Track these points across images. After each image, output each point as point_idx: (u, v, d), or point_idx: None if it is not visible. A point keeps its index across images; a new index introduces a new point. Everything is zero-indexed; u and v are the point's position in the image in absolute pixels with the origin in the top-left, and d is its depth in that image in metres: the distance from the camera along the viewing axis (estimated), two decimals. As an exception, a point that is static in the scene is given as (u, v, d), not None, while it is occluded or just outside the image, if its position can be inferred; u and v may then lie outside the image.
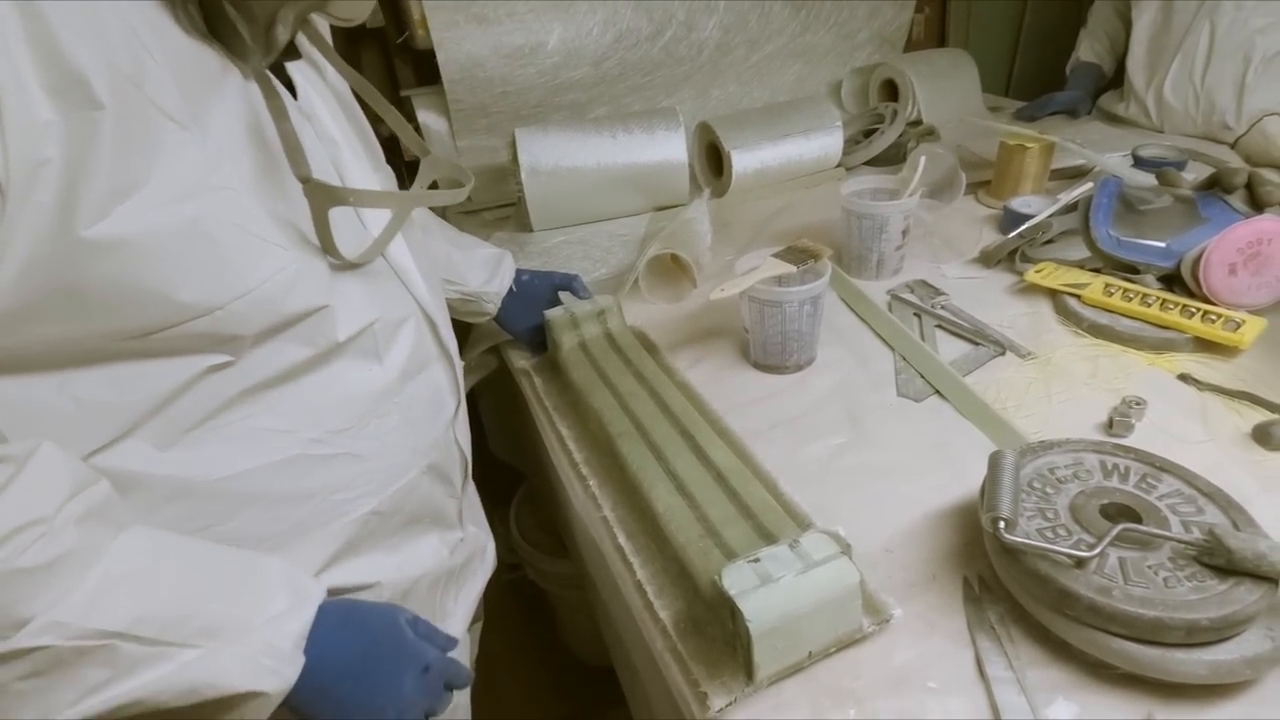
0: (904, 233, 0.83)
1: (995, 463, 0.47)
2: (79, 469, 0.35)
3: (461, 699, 0.63)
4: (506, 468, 1.13)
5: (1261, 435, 0.56)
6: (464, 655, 0.86)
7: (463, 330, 0.93)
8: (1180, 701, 0.40)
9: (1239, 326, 0.64)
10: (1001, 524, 0.42)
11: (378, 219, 0.48)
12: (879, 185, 0.85)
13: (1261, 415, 0.58)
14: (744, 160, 1.09)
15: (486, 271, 0.76)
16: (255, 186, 0.39)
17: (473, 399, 0.99)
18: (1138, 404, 0.59)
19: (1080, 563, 0.41)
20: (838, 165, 1.16)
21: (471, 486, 0.68)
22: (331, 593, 0.45)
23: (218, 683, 0.35)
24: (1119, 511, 0.45)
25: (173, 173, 0.35)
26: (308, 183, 0.41)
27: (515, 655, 1.29)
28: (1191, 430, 0.58)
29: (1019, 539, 0.42)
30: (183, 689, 0.35)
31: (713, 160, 1.15)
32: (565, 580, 1.09)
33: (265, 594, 0.39)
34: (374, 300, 0.46)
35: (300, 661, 0.38)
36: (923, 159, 0.82)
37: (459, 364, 0.57)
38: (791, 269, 0.68)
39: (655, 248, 0.83)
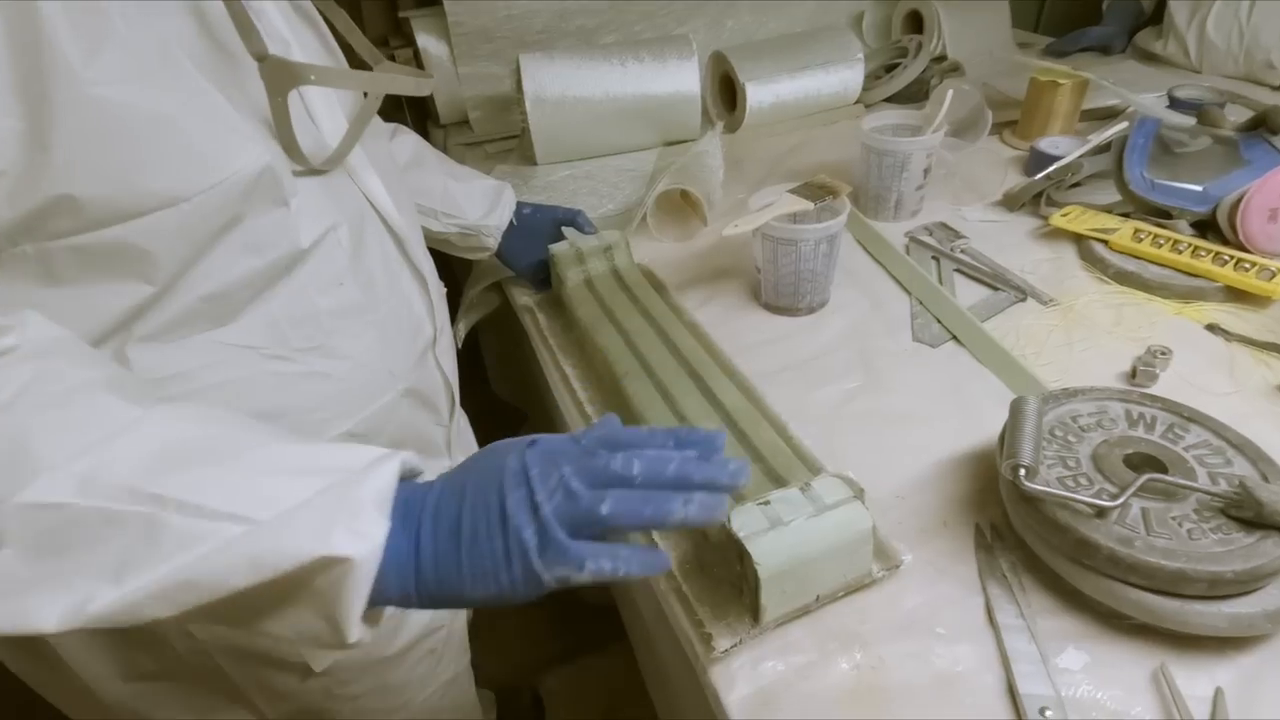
0: (926, 172, 0.79)
1: (1017, 409, 0.45)
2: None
3: (457, 624, 0.62)
4: (508, 409, 1.12)
5: (1291, 388, 0.54)
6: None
7: (464, 267, 0.90)
8: (1194, 653, 0.39)
9: (1274, 276, 0.61)
10: (1022, 471, 0.41)
11: (334, 127, 0.45)
12: (901, 121, 0.81)
13: (1291, 368, 0.56)
14: (759, 93, 1.04)
15: (486, 204, 0.73)
16: (212, 73, 0.36)
17: (474, 338, 0.98)
18: (1163, 354, 0.57)
19: (1101, 512, 0.40)
20: (856, 101, 1.11)
21: (462, 418, 0.67)
22: None
23: (287, 549, 0.28)
24: (1143, 461, 0.43)
25: (125, 49, 0.32)
26: (264, 60, 0.38)
27: (516, 591, 1.31)
28: (1218, 382, 0.56)
29: (1039, 487, 0.41)
30: (245, 562, 0.28)
31: (726, 93, 1.10)
32: (566, 520, 1.09)
33: (338, 455, 0.32)
34: (336, 207, 0.44)
35: (385, 518, 0.30)
36: (949, 93, 0.78)
37: (435, 288, 0.55)
38: (808, 205, 0.65)
39: (665, 182, 0.79)
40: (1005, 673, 0.40)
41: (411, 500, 0.32)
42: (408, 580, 0.31)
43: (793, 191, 0.67)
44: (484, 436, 0.73)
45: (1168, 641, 0.40)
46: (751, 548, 0.39)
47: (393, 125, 0.69)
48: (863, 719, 0.38)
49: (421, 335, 0.53)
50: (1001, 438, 0.46)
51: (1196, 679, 0.38)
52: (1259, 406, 0.54)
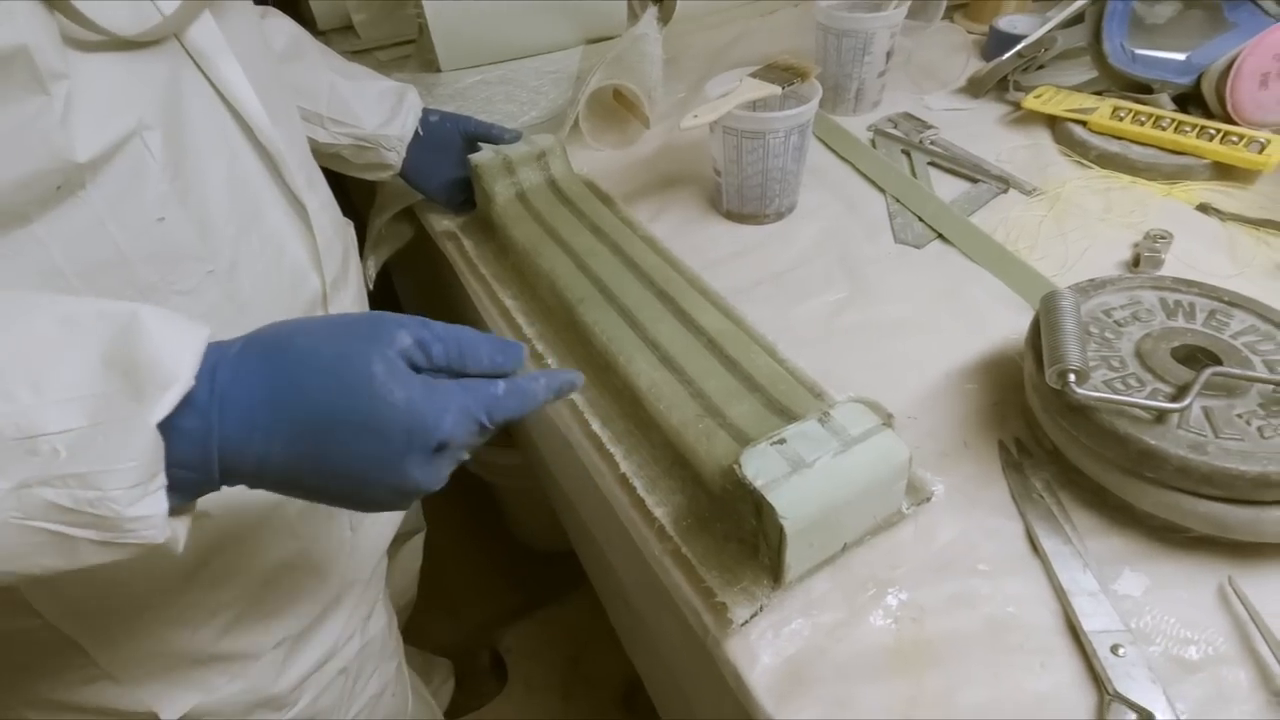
0: (888, 56, 0.71)
1: (1053, 305, 0.39)
2: None
3: (374, 629, 0.52)
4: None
5: (1299, 264, 0.50)
6: (405, 573, 0.77)
7: (362, 192, 0.77)
8: (1258, 561, 0.35)
9: (1264, 148, 0.57)
10: (1072, 377, 0.35)
11: None
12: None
13: (1290, 244, 0.53)
14: (690, -20, 0.92)
15: (385, 109, 0.60)
16: None
17: (386, 277, 0.85)
18: (1163, 238, 0.53)
19: (1161, 417, 0.34)
20: (795, -12, 1.01)
21: None
22: None
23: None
24: (1192, 355, 0.38)
25: None
26: None
27: (461, 547, 1.22)
28: (1220, 264, 0.52)
29: (1092, 393, 0.35)
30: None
31: (652, -19, 0.97)
32: (511, 471, 1.00)
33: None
34: (154, 104, 0.32)
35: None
36: (912, -38, 0.69)
37: (329, 223, 0.43)
38: (775, 90, 0.56)
39: (599, 77, 0.68)
40: (1062, 607, 0.34)
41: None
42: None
43: (754, 75, 0.57)
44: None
45: (1228, 552, 0.35)
46: (774, 498, 0.31)
47: (262, 7, 0.54)
48: (914, 681, 0.33)
49: (303, 289, 0.41)
50: (1031, 341, 0.40)
51: (1264, 590, 0.34)
52: (1267, 286, 0.50)
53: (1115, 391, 0.36)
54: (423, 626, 0.93)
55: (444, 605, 1.14)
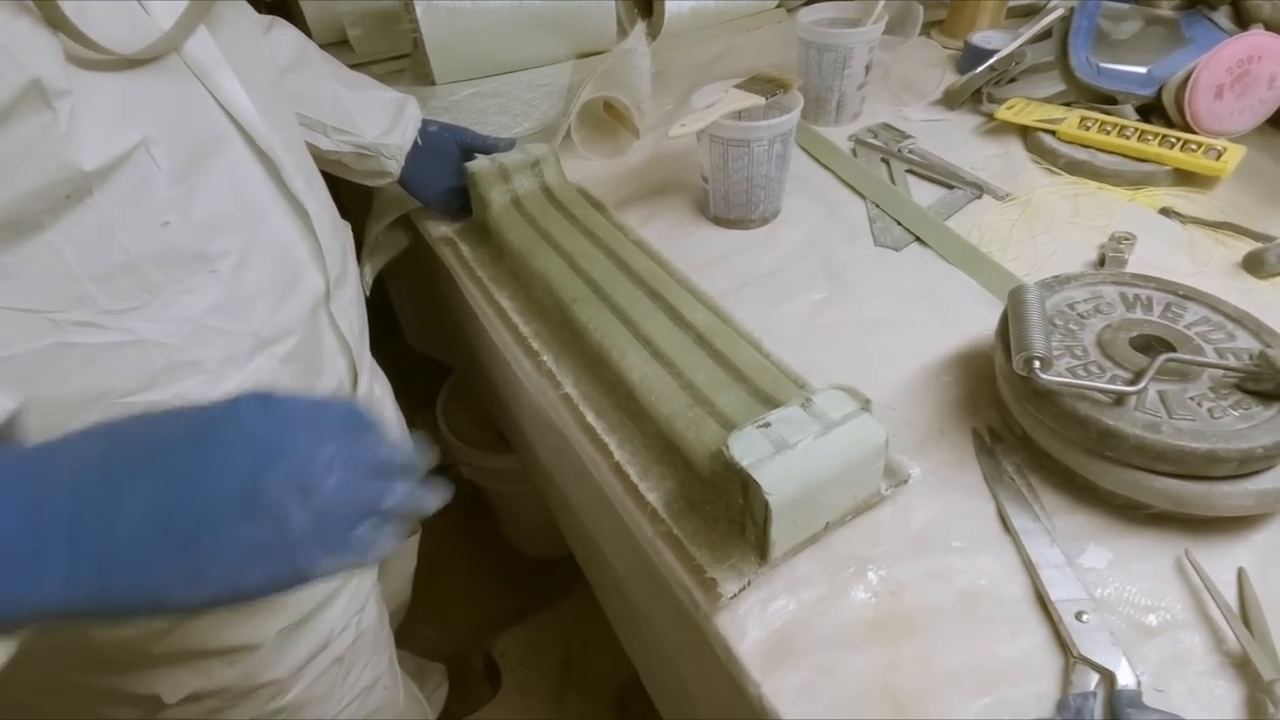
0: (867, 69, 0.74)
1: (1019, 299, 0.41)
2: None
3: (368, 619, 0.53)
4: (428, 364, 1.02)
5: (1253, 263, 0.53)
6: (400, 574, 0.78)
7: (355, 198, 0.79)
8: (1213, 535, 0.38)
9: (1220, 155, 0.60)
10: (1037, 363, 0.37)
11: (171, 11, 0.34)
12: (838, 14, 0.75)
13: (1245, 244, 0.56)
14: (676, -2, 0.95)
15: (386, 119, 0.62)
16: None
17: (381, 286, 0.87)
18: (1127, 239, 0.56)
19: (1120, 400, 0.37)
20: (777, 5, 1.04)
21: (379, 385, 0.57)
22: None
23: None
24: (1149, 343, 0.41)
25: None
26: None
27: (454, 555, 1.23)
28: (1180, 263, 0.55)
29: (1055, 378, 0.37)
30: None
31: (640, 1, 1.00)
32: (505, 476, 1.02)
33: None
34: (157, 116, 0.33)
35: None
36: (888, -21, 0.72)
37: (329, 224, 0.45)
38: (759, 100, 0.58)
39: (590, 89, 0.70)
40: (1031, 580, 0.37)
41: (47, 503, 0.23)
42: (50, 595, 0.22)
43: (739, 86, 0.60)
44: (406, 397, 0.65)
45: (1185, 527, 0.38)
46: (759, 477, 0.33)
47: (269, 17, 0.56)
48: (893, 649, 0.35)
49: (303, 286, 0.42)
50: (1001, 333, 0.42)
51: (1218, 561, 0.37)
52: (1225, 284, 0.53)
53: (1077, 377, 0.38)
54: (416, 631, 0.93)
55: (437, 611, 1.15)
